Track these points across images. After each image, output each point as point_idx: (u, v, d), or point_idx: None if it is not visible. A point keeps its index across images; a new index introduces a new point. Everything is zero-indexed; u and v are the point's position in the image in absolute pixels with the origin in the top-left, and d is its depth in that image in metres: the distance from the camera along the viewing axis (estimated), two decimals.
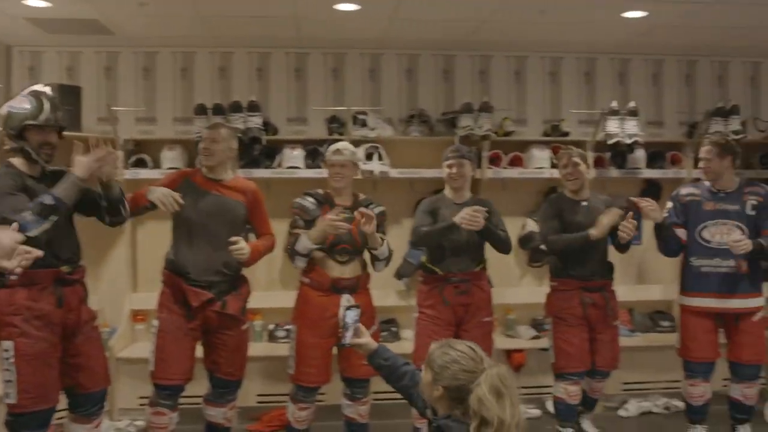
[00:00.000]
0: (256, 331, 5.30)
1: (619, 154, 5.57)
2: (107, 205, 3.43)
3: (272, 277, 5.58)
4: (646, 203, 4.29)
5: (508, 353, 5.32)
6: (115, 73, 5.68)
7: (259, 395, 5.11)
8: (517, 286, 5.80)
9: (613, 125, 5.42)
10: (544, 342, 4.69)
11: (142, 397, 4.65)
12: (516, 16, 4.97)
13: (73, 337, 3.37)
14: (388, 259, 4.24)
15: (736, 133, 5.43)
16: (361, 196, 4.30)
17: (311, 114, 5.77)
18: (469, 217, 3.98)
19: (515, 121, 5.84)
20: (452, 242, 4.18)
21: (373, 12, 4.86)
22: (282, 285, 5.53)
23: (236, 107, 5.25)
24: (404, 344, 5.01)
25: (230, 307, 3.92)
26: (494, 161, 5.49)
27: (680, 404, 4.93)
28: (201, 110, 5.29)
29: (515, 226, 5.62)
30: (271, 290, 5.49)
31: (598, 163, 5.54)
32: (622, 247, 4.42)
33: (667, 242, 4.40)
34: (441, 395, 2.31)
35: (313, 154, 5.29)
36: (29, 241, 2.72)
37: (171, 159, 5.26)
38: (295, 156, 5.31)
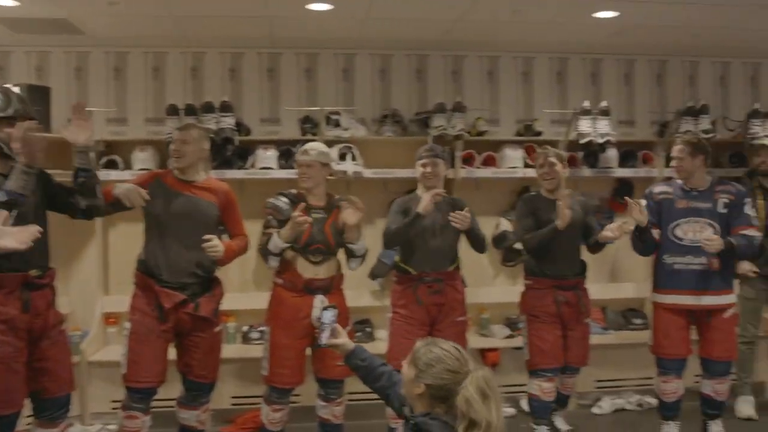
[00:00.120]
0: (229, 332, 5.27)
1: (591, 153, 5.61)
2: (81, 185, 3.37)
3: (246, 279, 5.56)
4: (637, 204, 4.29)
5: (483, 352, 5.33)
6: (86, 73, 5.62)
7: (233, 397, 5.08)
8: (491, 285, 5.82)
9: (585, 125, 5.47)
10: (518, 341, 4.71)
11: (114, 401, 4.61)
12: (488, 16, 4.98)
13: (39, 342, 3.31)
14: (363, 257, 4.23)
15: (706, 132, 5.50)
16: (336, 196, 4.28)
17: (284, 114, 5.75)
18: (461, 218, 4.04)
19: (488, 121, 5.85)
20: (426, 243, 4.18)
21: (346, 12, 4.85)
22: (255, 286, 5.51)
23: (209, 108, 5.22)
24: (378, 344, 4.99)
25: (203, 309, 3.89)
26: (467, 161, 5.50)
27: (653, 401, 4.97)
28: (173, 111, 5.25)
29: (489, 226, 5.63)
30: (244, 292, 5.47)
31: (571, 162, 5.54)
32: (595, 247, 4.46)
33: (645, 243, 4.42)
34: (423, 393, 2.32)
35: (287, 154, 5.27)
36: None
37: (142, 160, 5.21)
38: (268, 156, 5.29)
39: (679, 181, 4.45)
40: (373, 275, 5.46)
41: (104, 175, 5.05)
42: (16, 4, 4.51)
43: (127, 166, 5.25)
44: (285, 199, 4.15)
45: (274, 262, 4.11)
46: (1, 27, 5.00)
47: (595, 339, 5.06)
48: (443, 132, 5.33)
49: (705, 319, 4.35)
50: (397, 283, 4.36)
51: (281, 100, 5.77)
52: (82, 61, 5.61)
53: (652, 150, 5.76)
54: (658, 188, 4.52)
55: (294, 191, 4.21)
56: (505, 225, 5.61)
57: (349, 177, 5.25)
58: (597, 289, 5.14)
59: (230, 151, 5.23)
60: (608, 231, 4.26)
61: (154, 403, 3.94)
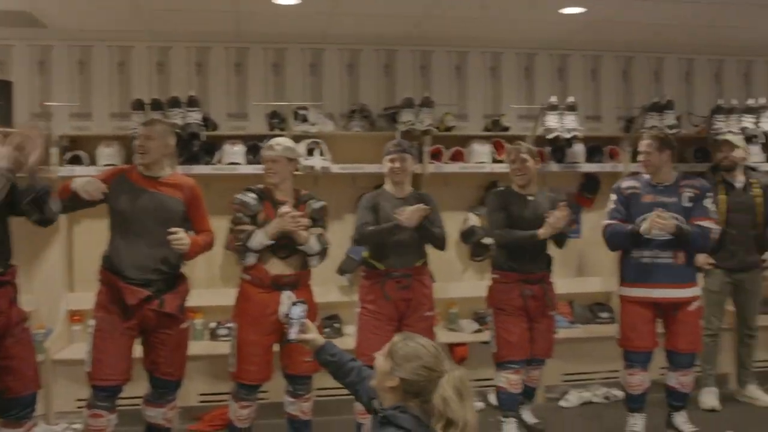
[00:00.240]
0: (197, 329, 5.24)
1: (558, 148, 5.66)
2: (28, 205, 3.30)
3: (213, 275, 5.51)
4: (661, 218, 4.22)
5: (451, 347, 5.34)
6: (49, 67, 5.53)
7: (200, 394, 5.03)
8: (459, 280, 5.84)
9: (552, 120, 5.50)
10: (487, 335, 4.73)
11: (79, 400, 4.55)
12: (456, 12, 5.00)
13: (2, 340, 3.26)
14: (321, 254, 4.17)
15: (671, 127, 5.56)
16: (303, 192, 4.26)
17: (252, 109, 5.71)
18: (417, 218, 4.02)
19: (456, 116, 5.86)
20: (394, 238, 4.18)
21: (313, 6, 4.84)
22: (223, 282, 5.46)
23: (175, 102, 5.16)
24: (347, 340, 4.99)
25: (168, 306, 3.84)
26: (435, 156, 5.51)
27: (620, 393, 5.03)
28: (138, 105, 5.19)
29: (457, 221, 5.66)
30: (211, 288, 5.42)
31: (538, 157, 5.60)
32: (560, 241, 4.49)
33: (632, 243, 4.43)
34: (396, 386, 2.33)
35: (254, 149, 5.23)
36: None
37: (108, 155, 5.15)
38: (235, 152, 5.26)
39: (646, 176, 4.49)
40: (342, 271, 5.45)
41: (68, 170, 5.00)
42: None
43: (92, 161, 5.18)
44: (252, 195, 4.12)
45: (251, 259, 4.07)
46: None
47: (562, 333, 5.11)
48: (411, 127, 5.33)
49: (671, 312, 4.39)
50: (365, 279, 4.36)
51: (248, 95, 5.73)
52: (46, 55, 5.52)
53: (618, 145, 5.81)
54: (626, 183, 4.55)
55: (261, 187, 4.18)
56: (474, 220, 5.63)
57: (317, 172, 5.23)
58: (564, 283, 5.18)
59: (197, 146, 5.19)
60: (550, 218, 4.27)
61: (119, 402, 3.89)
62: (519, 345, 4.42)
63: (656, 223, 4.16)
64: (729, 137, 5.15)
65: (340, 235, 4.93)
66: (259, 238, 3.97)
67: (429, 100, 5.43)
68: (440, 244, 4.37)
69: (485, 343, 4.81)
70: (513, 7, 4.93)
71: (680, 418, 4.54)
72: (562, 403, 5.33)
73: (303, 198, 4.21)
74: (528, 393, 4.77)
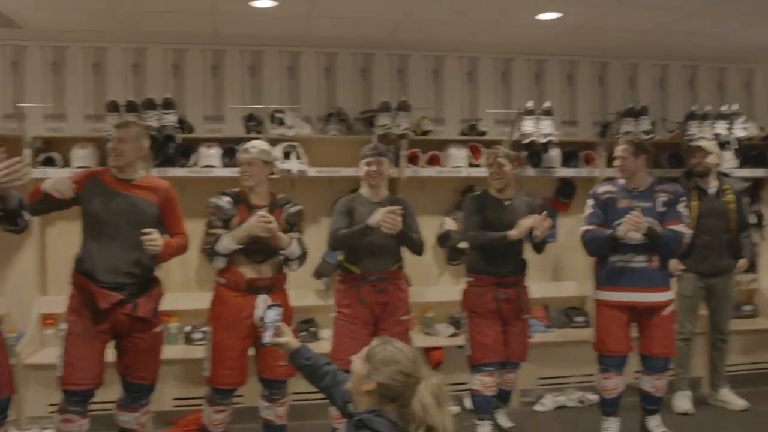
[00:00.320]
0: (171, 333, 5.19)
1: (534, 153, 5.67)
2: (2, 215, 3.24)
3: (188, 278, 5.47)
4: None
5: (427, 351, 5.33)
6: (23, 67, 5.47)
7: (174, 399, 4.99)
8: (435, 284, 5.84)
9: (528, 125, 5.52)
10: (462, 339, 4.74)
11: (51, 405, 4.48)
12: (433, 16, 5.01)
13: None
14: (301, 259, 4.18)
15: (646, 133, 5.61)
16: (279, 195, 4.25)
17: (228, 112, 5.69)
18: (390, 220, 4.00)
19: (433, 120, 5.87)
20: (369, 242, 4.17)
21: (290, 9, 4.82)
22: (198, 286, 5.42)
23: (150, 104, 5.11)
24: (323, 344, 4.96)
25: (141, 310, 3.80)
26: (412, 160, 5.51)
27: (594, 397, 5.06)
28: (113, 107, 5.13)
29: (433, 225, 5.66)
30: (186, 291, 5.38)
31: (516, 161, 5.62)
32: (539, 246, 4.51)
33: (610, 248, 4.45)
34: (372, 390, 2.32)
35: (230, 152, 5.20)
36: None
37: (82, 158, 5.10)
38: (211, 155, 5.23)
39: (622, 181, 4.52)
40: (318, 274, 5.44)
41: (41, 172, 4.93)
42: None
43: (66, 163, 5.12)
44: (227, 199, 4.09)
45: (220, 263, 4.05)
46: None
47: (537, 337, 5.13)
48: (388, 131, 5.33)
49: (646, 317, 4.42)
50: (341, 283, 4.35)
51: (225, 98, 5.71)
52: (19, 55, 5.46)
53: (594, 150, 5.84)
54: (602, 188, 4.58)
55: (236, 190, 4.16)
56: (450, 224, 5.64)
57: (293, 176, 5.22)
58: (540, 287, 5.20)
59: (172, 149, 5.15)
60: (536, 230, 4.31)
61: (92, 406, 3.84)
62: (493, 347, 4.44)
63: (630, 221, 4.19)
64: (702, 143, 5.19)
65: (317, 238, 4.91)
66: (226, 243, 3.95)
67: (406, 104, 5.43)
68: (418, 249, 4.37)
69: (460, 347, 4.81)
70: (489, 12, 4.95)
71: (654, 422, 4.57)
72: (537, 407, 5.35)
73: (279, 202, 4.19)
74: (503, 397, 4.79)
